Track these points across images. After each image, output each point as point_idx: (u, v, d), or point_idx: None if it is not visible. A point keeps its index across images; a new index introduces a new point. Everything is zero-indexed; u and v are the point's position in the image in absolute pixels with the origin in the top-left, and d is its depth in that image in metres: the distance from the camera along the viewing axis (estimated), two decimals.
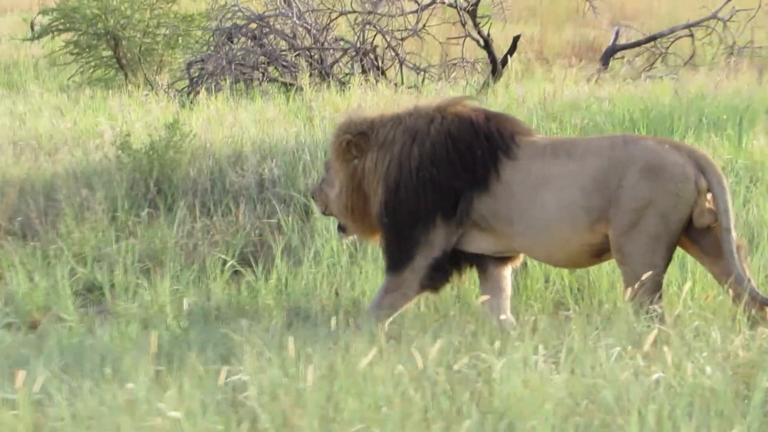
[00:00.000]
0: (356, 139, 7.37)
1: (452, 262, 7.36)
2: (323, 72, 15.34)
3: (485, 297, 7.19)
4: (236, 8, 16.44)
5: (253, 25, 16.31)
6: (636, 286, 6.74)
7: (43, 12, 18.86)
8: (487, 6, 15.79)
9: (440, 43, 15.44)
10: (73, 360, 6.84)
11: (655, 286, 6.79)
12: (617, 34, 15.50)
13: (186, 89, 15.72)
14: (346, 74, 15.17)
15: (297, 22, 15.72)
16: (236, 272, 8.93)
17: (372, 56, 15.00)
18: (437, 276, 7.33)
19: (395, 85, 14.34)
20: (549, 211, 6.95)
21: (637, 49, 16.31)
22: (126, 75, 18.08)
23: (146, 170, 10.72)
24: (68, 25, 18.29)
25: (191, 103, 14.14)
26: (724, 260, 6.80)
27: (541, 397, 5.59)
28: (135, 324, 7.93)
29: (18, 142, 12.95)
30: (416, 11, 15.24)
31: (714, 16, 15.62)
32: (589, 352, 6.10)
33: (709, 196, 6.80)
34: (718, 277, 6.96)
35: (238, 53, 15.91)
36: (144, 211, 10.18)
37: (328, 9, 16.06)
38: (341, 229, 7.72)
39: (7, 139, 13.00)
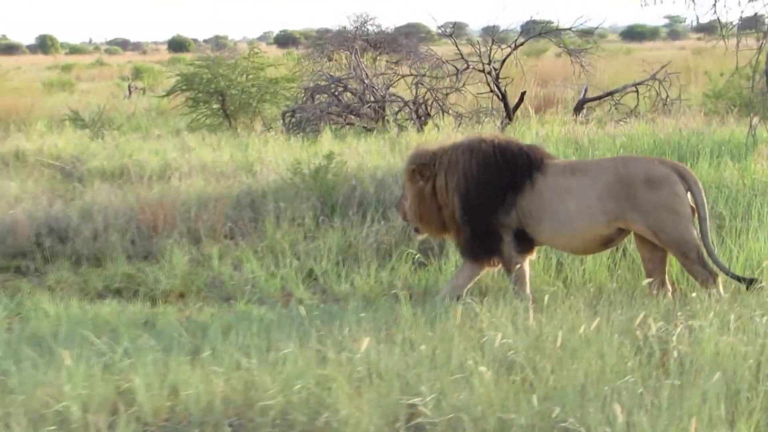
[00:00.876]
0: (419, 168, 7.20)
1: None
2: (384, 119, 14.69)
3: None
4: (321, 72, 15.75)
5: (331, 84, 15.54)
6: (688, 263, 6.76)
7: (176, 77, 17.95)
8: (508, 69, 15.15)
9: (474, 96, 14.79)
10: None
11: (699, 254, 6.72)
12: (585, 90, 15.01)
13: (286, 131, 14.93)
14: (406, 119, 14.39)
15: (366, 82, 14.98)
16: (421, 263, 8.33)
17: (424, 107, 14.30)
18: (522, 243, 7.06)
19: (437, 128, 13.62)
20: (572, 211, 6.81)
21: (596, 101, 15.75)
22: (230, 122, 17.24)
23: (313, 188, 9.99)
24: (188, 85, 17.42)
25: (303, 141, 13.39)
26: (662, 255, 6.88)
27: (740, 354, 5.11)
28: (354, 300, 7.41)
29: (197, 168, 12.15)
30: (456, 74, 14.65)
31: (653, 77, 15.16)
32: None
33: (689, 195, 6.71)
34: (649, 265, 6.94)
35: (323, 105, 15.19)
36: (334, 218, 9.54)
37: (391, 71, 15.44)
38: (415, 230, 7.52)
39: (189, 166, 12.17)
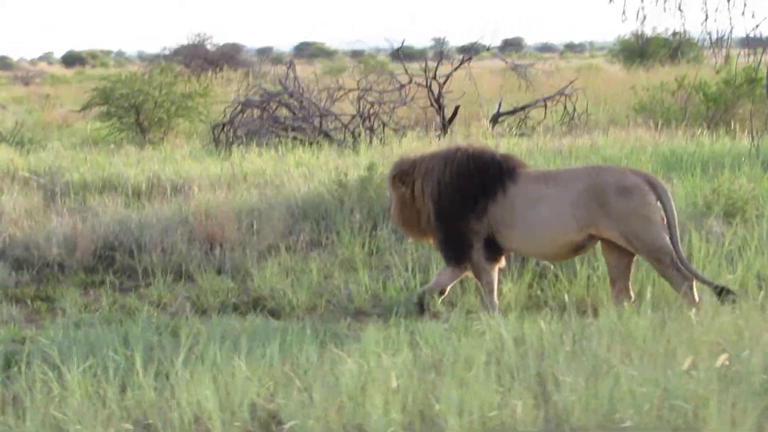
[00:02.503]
0: (399, 174, 7.52)
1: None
2: (325, 133, 14.94)
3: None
4: (254, 86, 15.74)
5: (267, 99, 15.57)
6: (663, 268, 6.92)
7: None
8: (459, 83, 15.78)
9: (422, 109, 15.34)
10: None
11: (672, 259, 6.86)
12: (500, 104, 15.94)
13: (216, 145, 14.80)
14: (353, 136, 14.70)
15: (306, 96, 15.16)
16: None
17: (369, 120, 14.69)
18: (492, 249, 7.29)
19: (381, 141, 14.06)
20: (544, 218, 7.00)
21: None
22: (144, 136, 16.84)
23: (355, 197, 10.22)
24: (104, 100, 16.86)
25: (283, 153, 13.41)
26: (628, 261, 7.09)
27: None
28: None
29: (191, 180, 11.91)
30: (400, 88, 15.14)
31: (561, 93, 16.28)
32: None
33: (658, 203, 6.91)
34: (613, 272, 7.15)
35: (264, 119, 15.20)
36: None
37: (334, 86, 15.66)
38: (405, 234, 7.92)
39: (184, 179, 11.90)
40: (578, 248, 7.11)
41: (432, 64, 15.57)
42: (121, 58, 62.45)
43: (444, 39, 17.49)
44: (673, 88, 15.79)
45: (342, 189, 10.31)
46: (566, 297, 7.25)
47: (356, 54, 44.84)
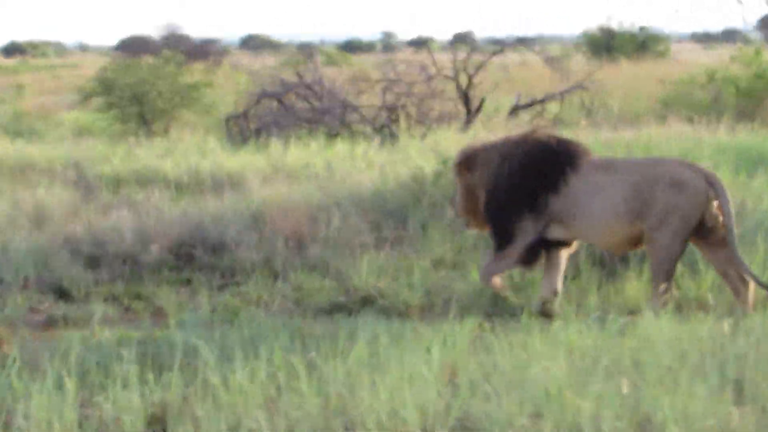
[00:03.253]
0: (464, 161, 7.39)
1: (543, 246, 7.22)
2: (348, 126, 14.42)
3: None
4: (273, 76, 15.11)
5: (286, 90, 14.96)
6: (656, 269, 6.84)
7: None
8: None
9: (452, 100, 14.91)
10: None
11: (670, 271, 6.82)
12: (518, 97, 15.60)
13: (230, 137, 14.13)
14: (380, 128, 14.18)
15: (327, 86, 14.62)
16: None
17: (395, 114, 14.21)
18: (531, 254, 7.19)
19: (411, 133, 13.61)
20: (601, 209, 6.90)
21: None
22: (148, 127, 16.07)
23: (431, 192, 9.69)
24: (106, 90, 16.03)
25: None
26: (726, 251, 6.81)
27: None
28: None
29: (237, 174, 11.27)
30: (428, 80, 14.67)
31: (579, 86, 15.97)
32: None
33: (716, 203, 6.74)
34: (717, 266, 6.98)
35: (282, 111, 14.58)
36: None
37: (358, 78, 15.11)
38: (466, 224, 7.66)
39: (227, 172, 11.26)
40: (637, 241, 6.96)
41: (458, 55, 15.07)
42: (60, 49, 60.88)
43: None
44: (701, 81, 15.55)
45: (417, 184, 9.74)
46: (710, 297, 7.03)
47: (304, 47, 44.17)
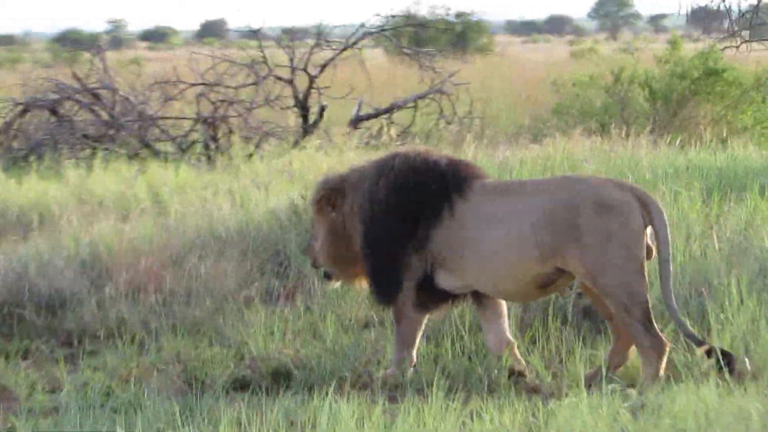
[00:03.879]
0: (328, 194, 7.31)
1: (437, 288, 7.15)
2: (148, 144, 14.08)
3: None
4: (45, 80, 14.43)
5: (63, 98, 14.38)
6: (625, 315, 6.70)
7: None
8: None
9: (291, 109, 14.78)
10: None
11: (645, 312, 6.64)
12: (359, 105, 15.65)
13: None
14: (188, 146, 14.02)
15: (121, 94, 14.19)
16: None
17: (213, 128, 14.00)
18: (427, 296, 7.12)
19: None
20: (497, 244, 6.78)
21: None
22: None
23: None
24: None
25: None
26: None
27: None
28: None
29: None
30: (256, 83, 14.49)
31: (437, 90, 16.11)
32: None
33: (649, 230, 6.70)
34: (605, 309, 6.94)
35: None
36: None
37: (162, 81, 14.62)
38: (327, 276, 7.58)
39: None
40: (545, 284, 6.85)
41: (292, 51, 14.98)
42: None
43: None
44: (605, 83, 16.00)
45: (297, 217, 9.62)
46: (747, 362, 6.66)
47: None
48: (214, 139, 14.14)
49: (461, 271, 6.94)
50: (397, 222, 7.04)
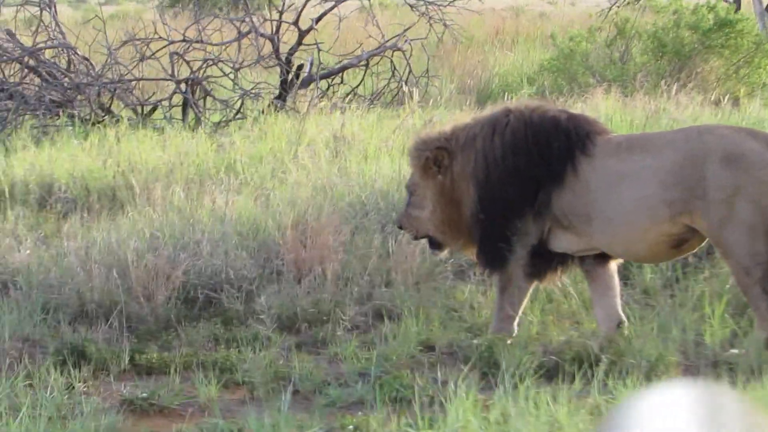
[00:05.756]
0: (434, 153, 7.03)
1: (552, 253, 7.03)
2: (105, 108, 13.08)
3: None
4: None
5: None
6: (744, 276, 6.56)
7: None
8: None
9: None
10: None
11: (766, 274, 6.45)
12: (311, 63, 14.91)
13: None
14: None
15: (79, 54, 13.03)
16: None
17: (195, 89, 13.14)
18: (539, 263, 6.95)
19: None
20: (627, 205, 6.60)
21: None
22: None
23: None
24: None
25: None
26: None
27: None
28: None
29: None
30: (238, 38, 13.59)
31: (390, 47, 15.37)
32: None
33: None
34: None
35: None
36: None
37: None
38: (435, 246, 7.30)
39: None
40: (680, 243, 6.68)
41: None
42: None
43: None
44: (605, 37, 15.64)
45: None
46: None
47: None
48: (195, 104, 13.20)
49: (587, 236, 6.79)
50: (516, 184, 6.85)
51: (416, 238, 7.35)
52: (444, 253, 7.46)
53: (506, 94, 14.25)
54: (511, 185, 6.82)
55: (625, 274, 7.66)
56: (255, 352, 6.98)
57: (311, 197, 8.93)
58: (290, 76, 14.12)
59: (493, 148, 6.86)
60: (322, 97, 13.52)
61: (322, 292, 7.81)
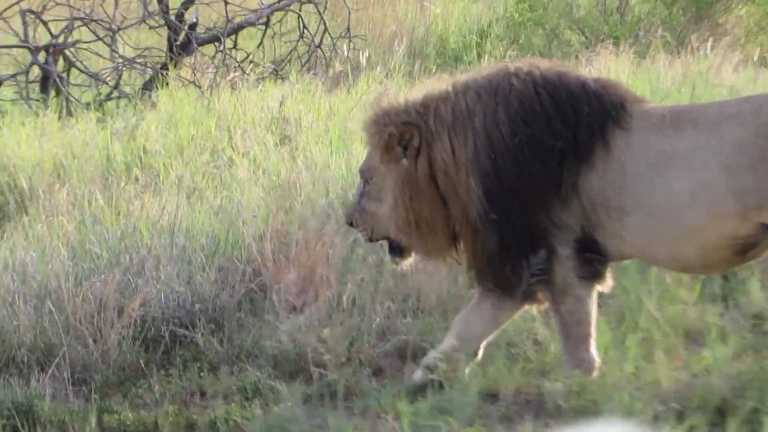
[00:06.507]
0: (400, 130, 6.69)
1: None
2: None
3: None
4: None
5: None
6: None
7: None
8: None
9: None
10: None
11: None
12: (196, 18, 14.53)
13: None
14: None
15: None
16: None
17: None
18: (592, 259, 6.62)
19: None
20: (677, 195, 6.37)
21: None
22: None
23: None
24: None
25: None
26: None
27: None
28: None
29: None
30: None
31: None
32: None
33: None
34: None
35: None
36: None
37: None
38: (396, 251, 7.02)
39: None
40: (747, 248, 6.44)
41: None
42: None
43: None
44: None
45: None
46: None
47: None
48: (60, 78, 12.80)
49: (618, 238, 6.48)
50: (535, 163, 6.45)
51: (371, 239, 7.00)
52: (407, 261, 7.00)
53: (475, 56, 13.93)
54: (528, 166, 6.43)
55: (722, 294, 7.59)
56: (264, 408, 6.66)
57: (277, 198, 8.65)
58: (180, 39, 13.75)
59: (497, 123, 6.46)
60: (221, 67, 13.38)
61: (327, 325, 7.43)
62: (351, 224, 7.02)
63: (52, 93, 12.87)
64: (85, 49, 13.44)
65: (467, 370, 6.69)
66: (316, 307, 7.52)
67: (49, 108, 12.11)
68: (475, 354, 6.75)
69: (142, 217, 8.38)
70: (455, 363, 6.83)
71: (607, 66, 11.92)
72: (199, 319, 7.45)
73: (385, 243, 7.03)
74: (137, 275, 7.72)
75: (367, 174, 6.83)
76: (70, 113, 12.20)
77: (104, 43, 13.32)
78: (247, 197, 8.69)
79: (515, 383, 6.84)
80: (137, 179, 9.49)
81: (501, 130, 6.44)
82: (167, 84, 12.53)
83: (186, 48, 13.77)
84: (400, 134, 6.59)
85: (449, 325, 7.22)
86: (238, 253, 8.06)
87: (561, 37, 15.03)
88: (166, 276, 7.70)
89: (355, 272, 7.82)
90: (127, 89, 13.00)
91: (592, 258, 6.53)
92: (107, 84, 13.22)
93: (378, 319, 7.49)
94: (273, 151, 9.74)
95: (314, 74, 13.72)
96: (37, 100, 12.76)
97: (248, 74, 12.41)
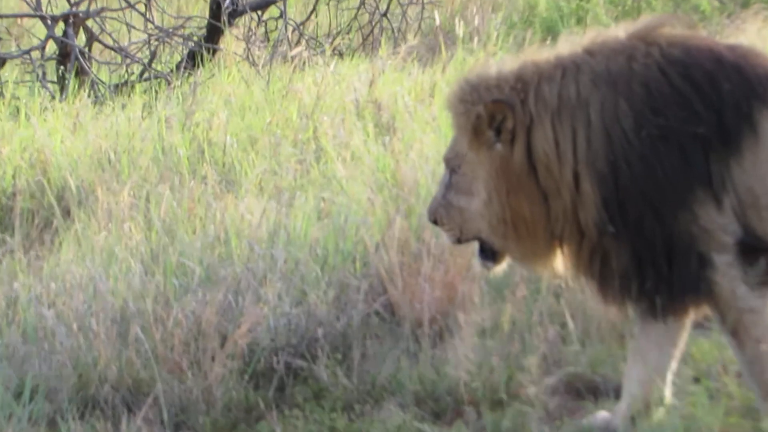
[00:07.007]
0: (491, 109, 6.46)
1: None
2: None
3: None
4: None
5: None
6: None
7: None
8: None
9: None
10: None
11: None
12: None
13: None
14: None
15: None
16: None
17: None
18: (760, 258, 6.42)
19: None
20: None
21: None
22: None
23: None
24: None
25: None
26: None
27: None
28: None
29: None
30: None
31: None
32: None
33: None
34: None
35: None
36: None
37: None
38: (488, 255, 6.83)
39: None
40: None
41: None
42: None
43: None
44: None
45: None
46: None
47: None
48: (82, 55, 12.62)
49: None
50: (672, 164, 6.15)
51: (459, 240, 6.73)
52: (500, 268, 6.76)
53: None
54: (661, 164, 6.15)
55: None
56: None
57: (392, 199, 8.38)
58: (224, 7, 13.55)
59: (618, 118, 6.13)
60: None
61: (478, 355, 7.17)
62: (435, 222, 6.78)
63: (72, 73, 12.68)
64: (114, 18, 13.32)
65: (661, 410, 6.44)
66: (461, 333, 7.25)
67: (66, 92, 11.96)
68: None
69: (233, 224, 8.12)
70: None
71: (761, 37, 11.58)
72: (322, 349, 7.18)
73: (475, 245, 6.72)
74: (235, 294, 7.43)
75: (453, 162, 6.58)
76: (96, 97, 11.97)
77: (136, 11, 13.15)
78: (356, 199, 8.44)
79: (719, 425, 6.52)
80: (204, 177, 9.23)
81: (622, 125, 6.18)
82: (211, 60, 12.22)
83: (234, 17, 13.63)
84: (491, 115, 6.31)
85: (626, 354, 6.93)
86: (351, 267, 7.88)
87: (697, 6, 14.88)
88: (272, 295, 7.44)
89: (502, 288, 7.56)
90: (159, 67, 12.73)
91: (758, 259, 6.26)
92: (141, 62, 13.01)
93: (541, 348, 7.17)
94: (373, 142, 9.52)
95: (409, 49, 13.55)
96: (54, 82, 12.63)
97: (315, 48, 12.21)
